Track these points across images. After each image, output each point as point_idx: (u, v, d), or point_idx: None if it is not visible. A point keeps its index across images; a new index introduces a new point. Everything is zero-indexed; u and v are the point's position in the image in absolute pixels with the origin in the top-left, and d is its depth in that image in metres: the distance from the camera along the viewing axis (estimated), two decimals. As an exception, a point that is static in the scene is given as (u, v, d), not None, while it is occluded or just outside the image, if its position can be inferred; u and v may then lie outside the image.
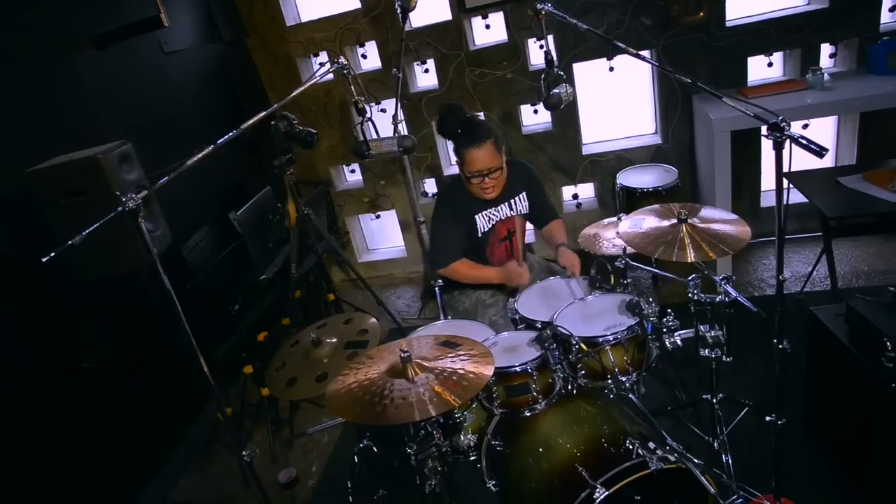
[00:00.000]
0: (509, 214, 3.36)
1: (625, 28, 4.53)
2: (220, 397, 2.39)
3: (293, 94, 2.76)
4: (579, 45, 4.66)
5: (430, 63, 5.03)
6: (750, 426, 3.08)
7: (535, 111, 5.06)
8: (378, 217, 5.84)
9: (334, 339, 2.74)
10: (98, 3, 3.79)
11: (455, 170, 4.02)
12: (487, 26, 4.83)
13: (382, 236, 6.15)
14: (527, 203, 3.41)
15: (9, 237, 3.11)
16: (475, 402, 2.64)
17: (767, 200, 4.93)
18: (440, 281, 3.38)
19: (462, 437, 2.49)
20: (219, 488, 3.72)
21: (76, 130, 3.53)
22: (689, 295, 2.59)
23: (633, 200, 4.43)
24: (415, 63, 5.07)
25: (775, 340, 2.16)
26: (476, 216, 3.28)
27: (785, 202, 1.92)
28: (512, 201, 3.35)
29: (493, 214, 3.31)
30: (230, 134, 2.34)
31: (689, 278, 2.61)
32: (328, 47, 5.13)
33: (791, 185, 1.86)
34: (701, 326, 2.61)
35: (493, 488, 2.53)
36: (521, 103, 5.04)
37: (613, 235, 3.35)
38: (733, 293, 2.51)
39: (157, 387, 3.90)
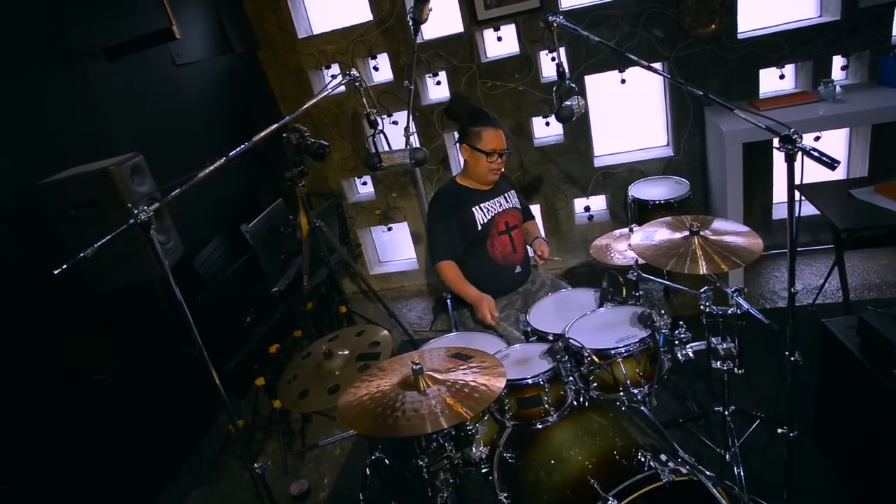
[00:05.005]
0: (506, 207, 3.53)
1: (636, 40, 4.54)
2: (232, 409, 2.40)
3: (305, 107, 2.75)
4: (591, 57, 4.67)
5: (442, 75, 5.05)
6: (762, 438, 3.07)
7: (547, 123, 5.08)
8: (390, 229, 5.86)
9: (346, 352, 2.74)
10: (109, 15, 3.82)
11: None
12: (499, 38, 4.86)
13: (394, 248, 6.16)
14: (517, 200, 3.67)
15: (21, 249, 3.14)
16: (487, 414, 2.63)
17: (779, 212, 4.91)
18: (451, 293, 3.44)
19: (474, 450, 2.47)
20: (230, 500, 3.72)
21: (87, 142, 3.56)
22: (701, 307, 2.58)
23: (644, 212, 4.40)
24: (427, 75, 5.09)
25: (787, 353, 2.15)
26: (473, 209, 3.43)
27: (797, 214, 1.91)
28: (505, 195, 3.59)
29: (491, 207, 3.48)
30: (242, 146, 2.35)
31: (701, 290, 2.59)
32: (340, 59, 5.16)
33: (803, 198, 1.85)
34: (713, 338, 2.60)
35: (504, 500, 2.52)
36: (533, 115, 5.05)
37: (625, 247, 3.35)
38: (745, 305, 2.49)
39: (169, 399, 3.92)
